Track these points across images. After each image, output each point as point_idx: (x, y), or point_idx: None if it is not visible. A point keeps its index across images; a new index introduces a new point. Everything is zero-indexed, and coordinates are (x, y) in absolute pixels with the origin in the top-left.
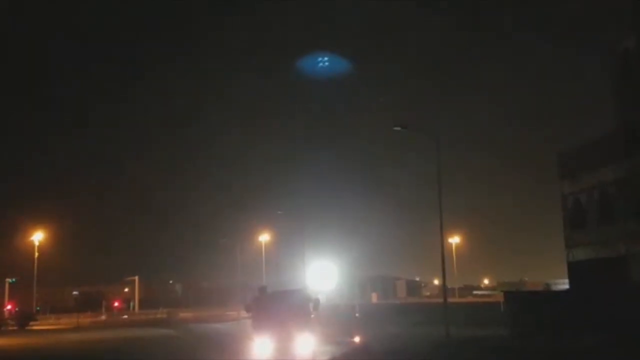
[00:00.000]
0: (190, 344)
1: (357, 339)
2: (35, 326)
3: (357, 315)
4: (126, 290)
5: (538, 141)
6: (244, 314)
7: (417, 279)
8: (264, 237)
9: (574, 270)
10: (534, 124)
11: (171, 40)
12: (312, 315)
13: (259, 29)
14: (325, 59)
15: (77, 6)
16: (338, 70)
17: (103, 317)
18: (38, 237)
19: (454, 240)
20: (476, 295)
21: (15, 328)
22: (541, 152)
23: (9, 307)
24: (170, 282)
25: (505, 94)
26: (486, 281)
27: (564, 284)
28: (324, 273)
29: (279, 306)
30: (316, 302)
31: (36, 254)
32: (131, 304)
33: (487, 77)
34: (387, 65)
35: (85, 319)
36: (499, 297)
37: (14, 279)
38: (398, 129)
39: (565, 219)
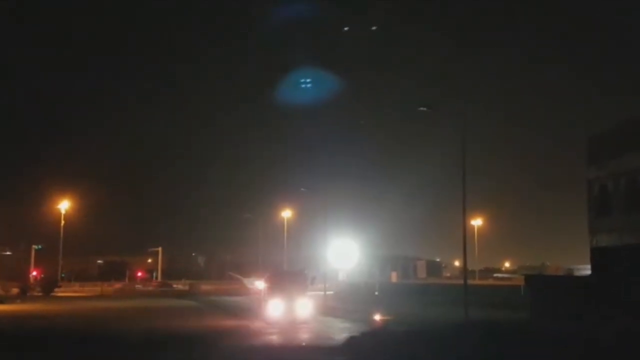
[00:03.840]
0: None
1: (377, 317)
2: (60, 293)
3: (376, 293)
4: (150, 261)
5: (565, 124)
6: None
7: (438, 259)
8: (287, 214)
9: (598, 256)
10: (563, 106)
11: None
12: (309, 285)
13: None
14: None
15: None
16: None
17: (117, 286)
18: (64, 205)
19: (477, 222)
20: (497, 278)
21: (40, 294)
22: (569, 137)
23: (34, 273)
24: (193, 254)
25: (534, 73)
26: (507, 264)
27: (586, 270)
28: (344, 251)
29: (286, 279)
30: (312, 279)
31: (62, 222)
32: (154, 274)
33: (516, 59)
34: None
35: (109, 287)
36: (520, 280)
37: (40, 246)
38: (423, 109)
39: (590, 205)
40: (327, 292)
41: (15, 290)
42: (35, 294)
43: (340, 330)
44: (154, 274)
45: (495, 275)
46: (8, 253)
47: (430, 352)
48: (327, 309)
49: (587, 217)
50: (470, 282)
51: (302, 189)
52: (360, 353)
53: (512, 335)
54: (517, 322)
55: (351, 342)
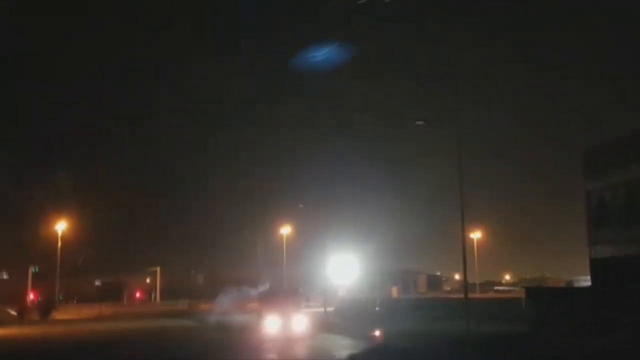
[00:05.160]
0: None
1: (377, 333)
2: (58, 316)
3: (377, 309)
4: (148, 280)
5: (563, 136)
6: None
7: (438, 273)
8: (285, 230)
9: (597, 268)
10: (559, 119)
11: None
12: (303, 303)
13: None
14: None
15: None
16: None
17: (106, 310)
18: (61, 226)
19: (476, 235)
20: (497, 291)
21: (37, 318)
22: (565, 148)
23: (31, 296)
24: (192, 272)
25: (530, 86)
26: (507, 277)
27: (586, 281)
28: (344, 266)
29: (282, 297)
30: (307, 297)
31: (59, 244)
32: (152, 294)
33: (512, 71)
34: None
35: (107, 309)
36: (521, 293)
37: (37, 268)
38: (420, 123)
39: (588, 217)
40: (328, 309)
41: (13, 314)
42: (33, 317)
43: (342, 347)
44: (152, 294)
45: (495, 288)
46: (5, 277)
47: None
48: (328, 326)
49: (586, 229)
50: (471, 295)
51: (300, 206)
52: None
53: (510, 349)
54: (517, 334)
55: None
